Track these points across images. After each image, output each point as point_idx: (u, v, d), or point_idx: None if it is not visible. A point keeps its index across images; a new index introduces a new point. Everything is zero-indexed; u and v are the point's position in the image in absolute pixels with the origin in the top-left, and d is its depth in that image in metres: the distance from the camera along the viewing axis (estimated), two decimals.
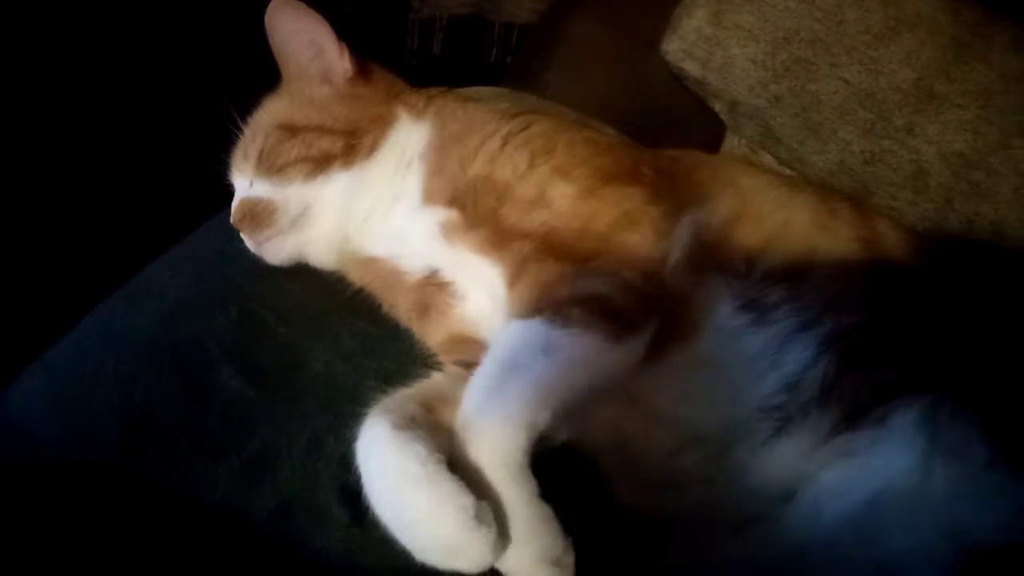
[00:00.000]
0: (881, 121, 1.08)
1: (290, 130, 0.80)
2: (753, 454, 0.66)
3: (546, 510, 0.60)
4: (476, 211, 0.74)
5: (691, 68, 1.15)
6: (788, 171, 1.19)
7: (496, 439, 0.61)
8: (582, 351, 0.65)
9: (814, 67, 1.08)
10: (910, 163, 1.07)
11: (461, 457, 0.61)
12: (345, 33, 0.84)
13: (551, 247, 0.70)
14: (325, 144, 0.79)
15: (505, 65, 1.56)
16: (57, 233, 1.00)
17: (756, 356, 0.66)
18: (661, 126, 1.26)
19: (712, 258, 0.69)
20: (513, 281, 0.70)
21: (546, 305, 0.66)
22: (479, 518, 0.56)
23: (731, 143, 1.25)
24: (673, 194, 0.74)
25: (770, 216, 0.72)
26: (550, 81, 1.28)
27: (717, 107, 1.20)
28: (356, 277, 0.82)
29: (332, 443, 0.67)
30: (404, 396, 0.67)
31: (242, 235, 0.81)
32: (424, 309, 0.77)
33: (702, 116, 1.23)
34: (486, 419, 0.62)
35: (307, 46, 0.82)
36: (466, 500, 0.56)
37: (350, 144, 0.79)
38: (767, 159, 1.21)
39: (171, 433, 0.68)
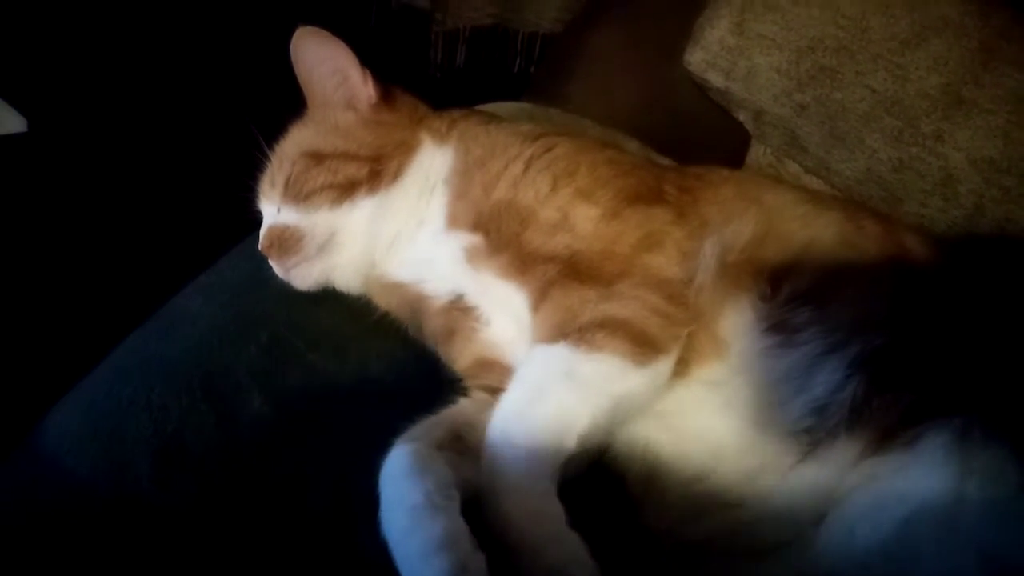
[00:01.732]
0: (909, 128, 1.06)
1: (316, 157, 0.80)
2: (781, 478, 0.65)
3: (574, 538, 0.59)
4: (500, 236, 0.74)
5: (714, 78, 1.15)
6: (815, 180, 1.18)
7: (522, 466, 0.61)
8: (606, 375, 0.64)
9: (839, 75, 1.07)
10: (939, 170, 1.05)
11: (487, 484, 0.61)
12: (369, 48, 0.84)
13: (575, 270, 0.70)
14: (350, 170, 0.79)
15: (529, 75, 1.56)
16: (90, 261, 1.02)
17: (783, 379, 0.65)
18: (685, 137, 1.25)
19: (738, 279, 0.69)
20: (537, 305, 0.70)
21: (570, 329, 0.66)
22: (466, 566, 0.54)
23: (757, 153, 1.23)
24: (697, 214, 0.73)
25: (796, 235, 0.71)
26: (573, 93, 1.28)
27: (742, 117, 1.19)
28: (382, 301, 0.82)
29: (361, 471, 0.67)
30: (431, 423, 0.67)
31: (270, 261, 0.82)
32: (449, 334, 0.77)
33: (727, 126, 1.22)
34: (512, 446, 0.61)
35: (331, 73, 0.83)
36: (460, 545, 0.55)
37: (375, 170, 0.80)
38: (793, 168, 1.20)
39: (202, 463, 0.68)
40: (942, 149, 1.03)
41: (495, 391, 0.70)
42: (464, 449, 0.65)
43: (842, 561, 0.61)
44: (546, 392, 0.64)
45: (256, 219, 0.87)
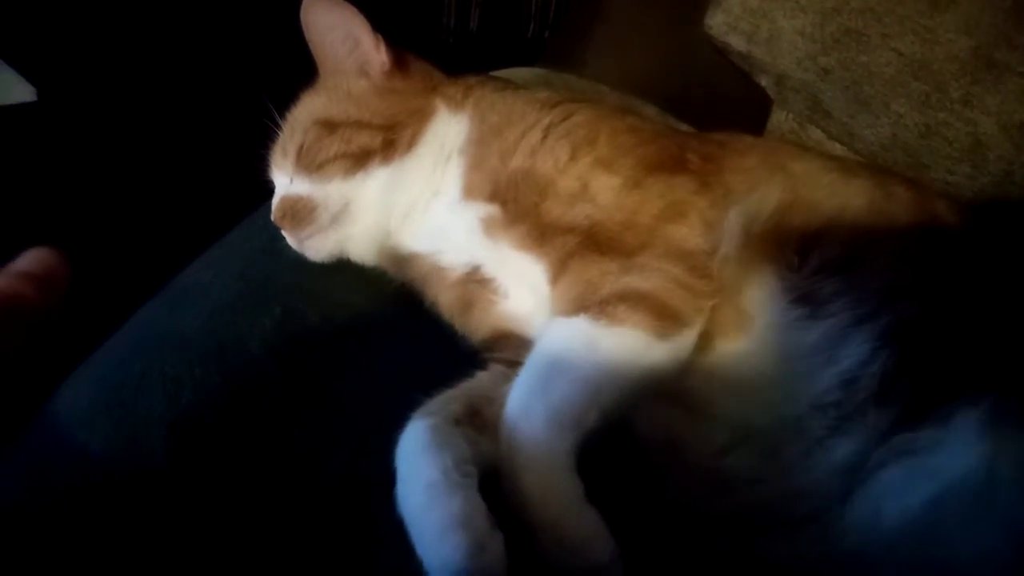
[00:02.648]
0: (937, 93, 1.02)
1: (328, 126, 0.78)
2: (807, 453, 0.63)
3: (594, 516, 0.58)
4: (517, 206, 0.71)
5: (736, 42, 1.11)
6: (838, 146, 1.14)
7: (541, 441, 0.59)
8: (628, 349, 0.62)
9: (865, 38, 1.03)
10: (967, 136, 1.02)
11: (506, 460, 0.60)
12: (381, 13, 0.82)
13: (595, 242, 0.67)
14: (364, 139, 0.77)
15: (543, 40, 1.52)
16: (100, 232, 1.00)
17: (810, 352, 0.63)
18: (704, 103, 1.22)
19: (763, 250, 0.66)
20: (556, 278, 0.68)
21: (590, 302, 0.64)
22: (483, 545, 0.53)
23: (778, 118, 1.20)
24: (721, 183, 0.71)
25: (824, 203, 0.68)
26: (589, 58, 1.25)
27: (763, 82, 1.16)
28: (397, 273, 0.80)
29: (377, 446, 0.66)
30: (448, 397, 0.65)
31: (283, 232, 0.80)
32: (466, 306, 0.75)
33: (747, 91, 1.18)
34: (531, 421, 0.60)
35: (343, 40, 0.80)
36: (477, 524, 0.54)
37: (389, 139, 0.77)
38: (816, 134, 1.17)
39: (216, 436, 0.67)
40: (971, 114, 1.00)
41: (513, 364, 0.69)
42: (482, 424, 0.63)
43: (868, 539, 0.60)
44: (566, 366, 0.62)
45: (268, 188, 0.85)
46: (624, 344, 0.62)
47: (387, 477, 0.59)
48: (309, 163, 0.78)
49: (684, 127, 1.08)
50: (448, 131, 0.78)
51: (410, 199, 0.78)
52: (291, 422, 0.69)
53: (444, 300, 0.76)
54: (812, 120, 1.15)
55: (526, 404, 0.61)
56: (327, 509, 0.66)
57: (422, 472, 0.57)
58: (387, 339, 0.76)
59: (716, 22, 1.11)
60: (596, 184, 0.70)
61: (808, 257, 0.65)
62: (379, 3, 0.83)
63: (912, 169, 1.05)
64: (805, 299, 0.64)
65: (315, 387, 0.72)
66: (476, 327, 0.75)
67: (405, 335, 0.76)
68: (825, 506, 0.62)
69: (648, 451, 0.68)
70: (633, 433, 0.68)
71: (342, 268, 0.81)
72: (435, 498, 0.55)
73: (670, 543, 0.65)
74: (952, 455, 0.58)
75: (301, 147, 0.79)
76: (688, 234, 0.67)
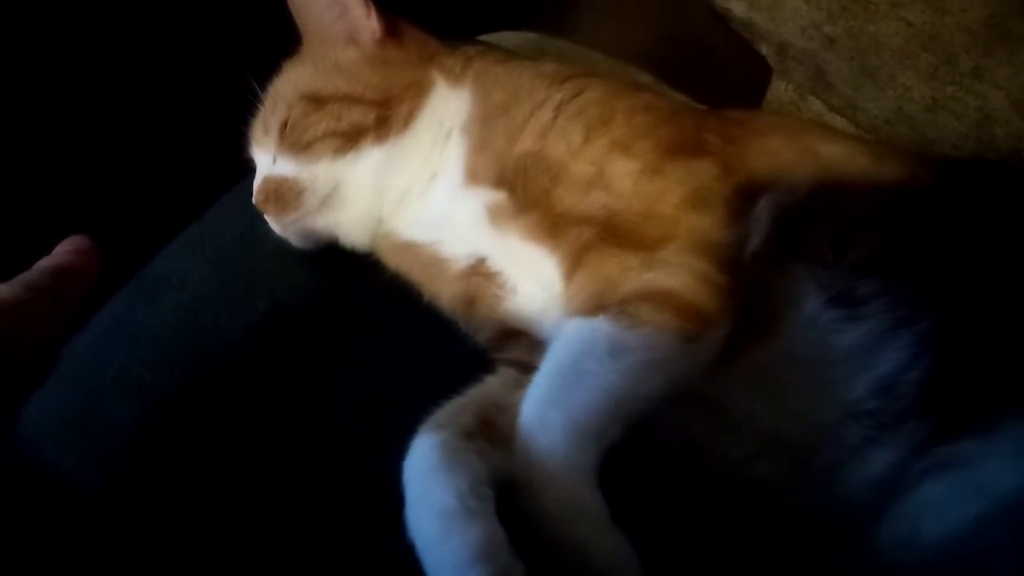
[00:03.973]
0: (946, 65, 0.97)
1: (316, 101, 0.69)
2: (840, 464, 0.57)
3: (620, 538, 0.52)
4: (526, 193, 0.64)
5: (737, 8, 1.04)
6: (839, 118, 1.09)
7: (561, 457, 0.53)
8: (653, 353, 0.56)
9: (873, 6, 0.97)
10: (976, 110, 0.97)
11: (523, 476, 0.54)
12: None
13: (613, 233, 0.61)
14: (356, 116, 0.69)
15: (533, 3, 1.43)
16: (64, 210, 0.91)
17: (846, 356, 0.57)
18: (702, 72, 1.15)
19: (794, 243, 0.60)
20: (571, 273, 0.61)
21: (610, 301, 0.58)
22: None
23: (777, 89, 1.14)
24: (745, 167, 0.64)
25: (858, 193, 0.62)
26: (583, 23, 1.16)
27: (764, 50, 1.09)
28: (392, 262, 0.72)
29: (378, 455, 0.59)
30: (458, 407, 0.58)
31: (266, 217, 0.72)
32: (470, 301, 0.67)
33: (747, 61, 1.12)
34: (549, 434, 0.54)
35: (329, 5, 0.71)
36: (497, 556, 0.48)
37: (383, 116, 0.69)
38: (816, 106, 1.11)
39: (202, 446, 0.60)
40: (980, 88, 0.94)
41: (524, 366, 0.62)
42: (495, 436, 0.56)
43: (905, 557, 0.54)
44: (586, 373, 0.56)
45: (244, 166, 0.76)
46: (649, 348, 0.56)
47: (391, 489, 0.53)
48: (295, 142, 0.70)
49: (680, 98, 1.01)
50: (447, 107, 0.70)
51: (406, 182, 0.70)
52: (282, 429, 0.62)
53: (446, 294, 0.69)
54: (813, 91, 1.10)
55: (542, 416, 0.55)
56: (324, 523, 0.59)
57: (435, 497, 0.50)
58: (384, 335, 0.68)
59: None
60: (612, 169, 0.63)
61: (844, 253, 0.59)
62: None
63: (916, 145, 1.00)
64: (840, 298, 0.58)
65: (307, 389, 0.65)
66: (481, 324, 0.67)
67: (404, 330, 0.69)
68: (858, 520, 0.57)
69: (667, 457, 0.62)
70: (651, 437, 0.62)
71: (331, 256, 0.73)
72: (451, 527, 0.49)
73: (692, 556, 0.60)
74: (999, 470, 0.53)
75: (285, 123, 0.70)
76: (713, 225, 0.60)
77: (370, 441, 0.61)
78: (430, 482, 0.51)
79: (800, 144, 0.67)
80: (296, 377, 0.65)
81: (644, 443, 0.60)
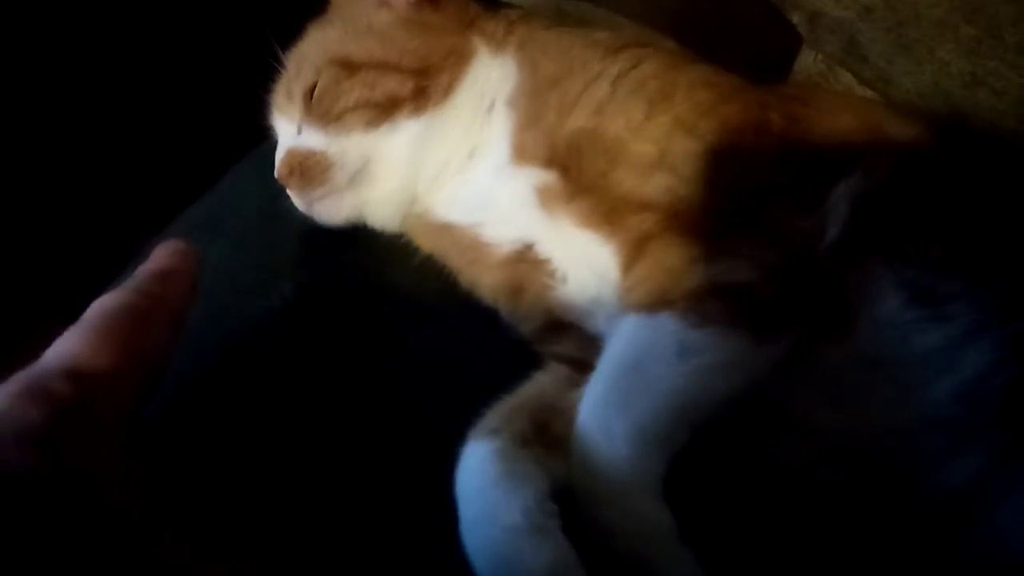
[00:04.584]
0: (989, 39, 0.91)
1: (347, 67, 0.63)
2: (916, 473, 0.53)
3: (688, 556, 0.48)
4: (581, 174, 0.58)
5: None
6: (869, 92, 1.04)
7: (625, 467, 0.48)
8: (724, 355, 0.51)
9: None
10: (1019, 87, 0.91)
11: (583, 487, 0.49)
12: None
13: (678, 221, 0.55)
14: (391, 85, 0.63)
15: None
16: (77, 183, 0.84)
17: (925, 358, 0.53)
18: (729, 40, 1.09)
19: (874, 237, 0.55)
20: (630, 263, 0.56)
21: (675, 296, 0.53)
22: None
23: (806, 60, 1.08)
24: (814, 149, 0.59)
25: (942, 183, 0.58)
26: None
27: (795, 18, 1.03)
28: (426, 244, 0.66)
29: (415, 452, 0.54)
30: (510, 410, 0.53)
31: (289, 192, 0.66)
32: (515, 290, 0.62)
33: (774, 28, 1.06)
34: (612, 443, 0.49)
35: None
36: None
37: (421, 85, 0.63)
38: (846, 78, 1.05)
39: (214, 446, 0.54)
40: None
41: (575, 362, 0.57)
42: (552, 442, 0.51)
43: None
44: (651, 376, 0.51)
45: (265, 130, 0.70)
46: (720, 349, 0.51)
47: (434, 495, 0.49)
48: (323, 111, 0.63)
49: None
50: (489, 77, 0.64)
51: (443, 158, 0.64)
52: (310, 427, 0.56)
53: (488, 281, 0.63)
54: (844, 63, 1.03)
55: (605, 422, 0.50)
56: (354, 528, 0.54)
57: (498, 514, 0.46)
58: (420, 324, 0.62)
59: None
60: (676, 150, 0.57)
61: (927, 248, 0.54)
62: None
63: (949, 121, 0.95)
64: (921, 297, 0.53)
65: (335, 380, 0.59)
66: (526, 315, 0.62)
67: (440, 319, 0.62)
68: (936, 535, 0.53)
69: (726, 462, 0.58)
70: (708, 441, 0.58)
71: (360, 236, 0.67)
72: (519, 547, 0.45)
73: (755, 566, 0.56)
74: None
75: (311, 90, 0.64)
76: (786, 213, 0.55)
77: (403, 438, 0.56)
78: (490, 497, 0.47)
79: (871, 125, 0.62)
80: (324, 367, 0.60)
81: (701, 448, 0.55)
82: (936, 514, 0.53)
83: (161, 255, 0.48)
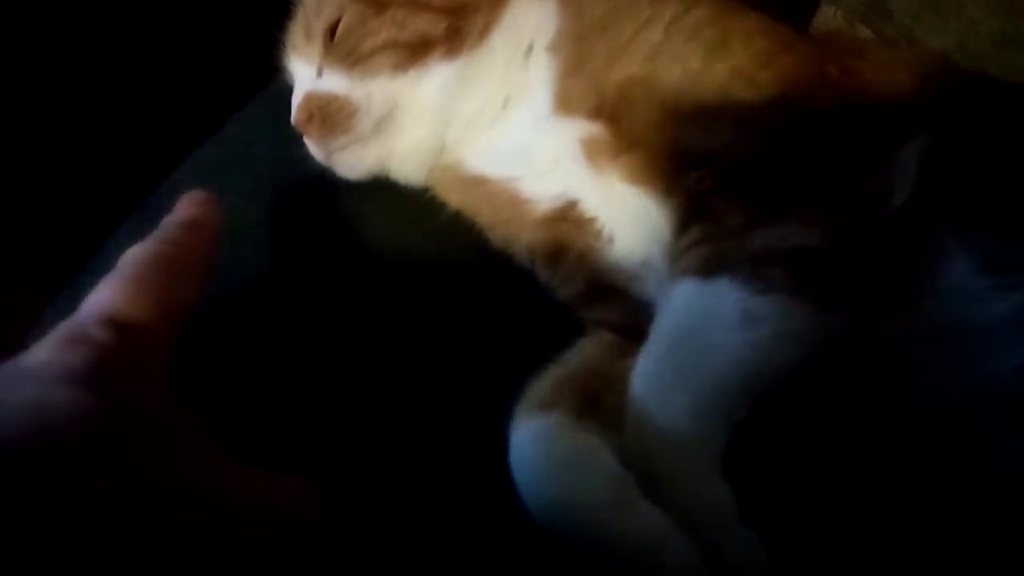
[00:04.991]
0: None
1: (374, 3, 0.58)
2: (975, 450, 0.51)
3: (752, 538, 0.45)
4: (632, 126, 0.54)
5: None
6: None
7: (686, 444, 0.45)
8: (789, 323, 0.48)
9: None
10: None
11: (639, 464, 0.46)
12: None
13: (739, 179, 0.52)
14: (422, 25, 0.57)
15: None
16: (81, 125, 0.78)
17: (992, 329, 0.50)
18: None
19: (943, 199, 0.52)
20: (685, 224, 0.52)
21: (734, 260, 0.49)
22: (696, 566, 0.42)
23: (825, 15, 1.04)
24: (876, 105, 0.55)
25: (1007, 143, 0.54)
26: None
27: None
28: (455, 199, 0.62)
29: (455, 435, 0.50)
30: (559, 381, 0.50)
31: (307, 140, 0.61)
32: (557, 250, 0.57)
33: None
34: (671, 418, 0.45)
35: None
36: (679, 541, 0.43)
37: (455, 26, 0.58)
38: (865, 34, 1.02)
39: (229, 401, 0.49)
40: None
41: (621, 328, 0.54)
42: (604, 416, 0.48)
43: None
44: (711, 346, 0.47)
45: (277, 71, 0.64)
46: (784, 317, 0.48)
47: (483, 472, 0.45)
48: (347, 52, 0.58)
49: None
50: (528, 19, 0.59)
51: (477, 106, 0.59)
52: (334, 402, 0.52)
53: (525, 240, 0.59)
54: (866, 20, 1.00)
55: (663, 395, 0.46)
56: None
57: (581, 494, 0.44)
58: (449, 287, 0.57)
59: None
60: (736, 102, 0.53)
61: (999, 213, 0.51)
62: None
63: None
64: (992, 264, 0.51)
65: (358, 348, 0.55)
66: (567, 277, 0.58)
67: (472, 282, 0.58)
68: (991, 520, 0.51)
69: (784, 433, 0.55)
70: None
71: (382, 189, 0.62)
72: (617, 525, 0.43)
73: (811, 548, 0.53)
74: None
75: (333, 28, 0.59)
76: (849, 175, 0.52)
77: (430, 408, 0.52)
78: (568, 481, 0.44)
79: (930, 81, 0.58)
80: (342, 330, 0.55)
81: (759, 422, 0.52)
82: (990, 497, 0.51)
83: (186, 205, 0.46)
